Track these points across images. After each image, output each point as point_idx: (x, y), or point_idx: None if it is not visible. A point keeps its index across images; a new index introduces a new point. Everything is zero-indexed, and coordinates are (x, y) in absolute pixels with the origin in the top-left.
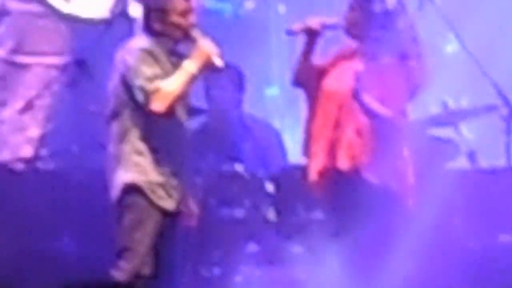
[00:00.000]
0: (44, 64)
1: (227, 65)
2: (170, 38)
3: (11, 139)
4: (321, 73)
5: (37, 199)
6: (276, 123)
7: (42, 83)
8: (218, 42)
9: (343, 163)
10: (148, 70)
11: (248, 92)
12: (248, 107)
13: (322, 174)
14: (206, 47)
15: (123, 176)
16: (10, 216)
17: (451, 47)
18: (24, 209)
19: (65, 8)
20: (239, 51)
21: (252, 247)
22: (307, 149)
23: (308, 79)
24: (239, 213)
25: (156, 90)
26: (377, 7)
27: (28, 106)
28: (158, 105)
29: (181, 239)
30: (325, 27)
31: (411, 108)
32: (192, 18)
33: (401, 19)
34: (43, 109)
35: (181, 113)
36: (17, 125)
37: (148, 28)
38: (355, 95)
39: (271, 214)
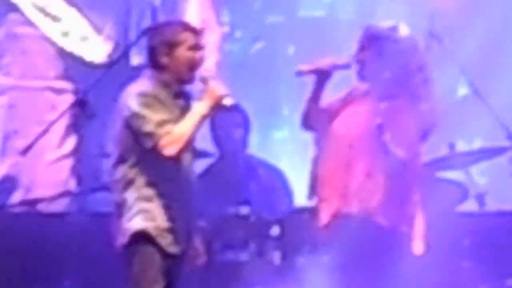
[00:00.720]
0: (53, 88)
1: (232, 107)
2: (176, 76)
3: (29, 165)
4: (331, 115)
5: (39, 242)
6: (284, 165)
7: (53, 109)
8: (226, 82)
9: (355, 206)
10: (156, 115)
11: (257, 134)
12: (257, 150)
13: (334, 217)
14: (216, 89)
15: (132, 223)
16: (12, 259)
17: (463, 90)
18: (26, 251)
19: (63, 44)
20: (247, 92)
21: None
22: (315, 192)
23: (318, 121)
24: (244, 256)
25: (167, 134)
26: (389, 47)
27: (43, 132)
28: (170, 149)
29: (185, 283)
30: (335, 67)
31: (423, 150)
32: (201, 54)
33: (413, 60)
34: (58, 133)
35: (186, 156)
36: (33, 153)
37: (154, 64)
38: (378, 133)
39: (276, 257)
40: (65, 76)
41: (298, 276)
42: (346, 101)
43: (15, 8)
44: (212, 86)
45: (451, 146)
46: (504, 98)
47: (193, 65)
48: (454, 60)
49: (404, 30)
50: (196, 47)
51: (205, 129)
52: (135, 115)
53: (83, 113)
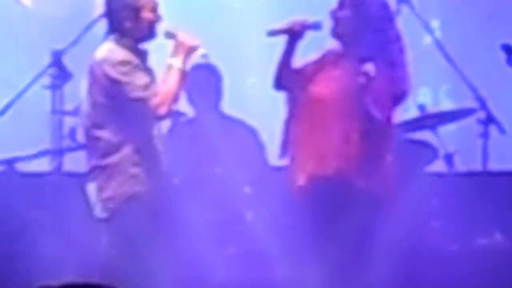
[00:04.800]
0: None
1: (204, 66)
2: (140, 38)
3: None
4: (305, 76)
5: (15, 200)
6: (256, 122)
7: None
8: (197, 34)
9: (331, 168)
10: (138, 80)
11: (229, 84)
12: (228, 98)
13: (310, 179)
14: (186, 40)
15: (125, 188)
16: None
17: (429, 39)
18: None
19: None
20: (218, 44)
21: (231, 250)
22: (288, 152)
23: (291, 83)
24: (217, 215)
25: (155, 95)
26: (372, 10)
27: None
28: (162, 109)
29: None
30: (306, 27)
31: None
32: (160, 12)
33: (392, 28)
34: None
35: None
36: None
37: (116, 28)
38: (360, 93)
39: (249, 217)
40: None
41: (271, 235)
42: (321, 63)
43: None
44: (182, 40)
45: (422, 108)
46: (476, 59)
47: (155, 26)
48: (423, 22)
49: None
50: (156, 6)
51: None
52: (119, 84)
53: (60, 72)
